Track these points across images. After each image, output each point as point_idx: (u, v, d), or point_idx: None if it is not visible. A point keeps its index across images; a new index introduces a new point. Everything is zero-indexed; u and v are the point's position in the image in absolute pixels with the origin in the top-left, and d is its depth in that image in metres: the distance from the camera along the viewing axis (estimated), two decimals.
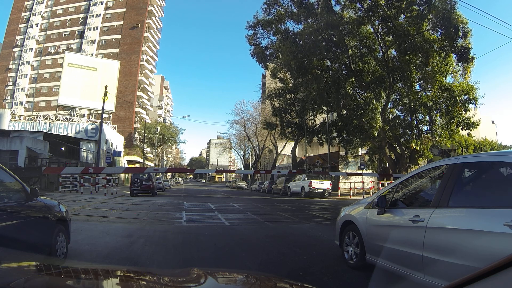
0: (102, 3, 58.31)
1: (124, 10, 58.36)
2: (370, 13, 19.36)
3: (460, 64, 19.87)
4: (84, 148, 35.38)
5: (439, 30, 18.63)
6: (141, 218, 9.90)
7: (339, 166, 32.14)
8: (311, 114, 28.90)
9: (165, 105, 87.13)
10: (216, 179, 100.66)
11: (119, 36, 57.40)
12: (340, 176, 28.47)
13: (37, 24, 59.74)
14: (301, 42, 20.78)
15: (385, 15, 19.41)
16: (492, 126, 58.50)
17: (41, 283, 1.52)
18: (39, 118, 40.32)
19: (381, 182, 22.12)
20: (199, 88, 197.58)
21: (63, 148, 30.87)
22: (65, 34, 58.88)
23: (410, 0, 18.48)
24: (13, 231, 3.44)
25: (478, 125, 20.69)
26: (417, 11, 18.75)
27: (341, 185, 27.29)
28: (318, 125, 29.80)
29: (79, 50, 56.09)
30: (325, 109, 25.98)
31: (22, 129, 35.26)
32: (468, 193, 3.25)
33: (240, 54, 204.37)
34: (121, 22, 57.89)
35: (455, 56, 19.28)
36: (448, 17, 17.04)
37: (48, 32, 59.25)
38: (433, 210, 3.11)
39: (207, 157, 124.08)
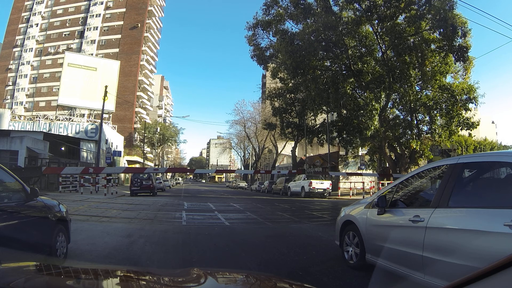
0: (102, 3, 58.30)
1: (124, 10, 58.35)
2: (369, 13, 19.36)
3: (459, 64, 19.89)
4: (84, 148, 35.38)
5: (438, 30, 18.64)
6: (141, 218, 9.90)
7: (339, 166, 32.14)
8: (311, 114, 28.89)
9: (165, 105, 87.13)
10: (216, 179, 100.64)
11: (119, 36, 57.40)
12: (340, 176, 28.47)
13: (37, 24, 59.73)
14: (300, 42, 20.78)
15: (384, 15, 19.41)
16: (492, 126, 58.54)
17: (41, 283, 1.52)
18: (39, 118, 40.32)
19: (381, 182, 22.12)
20: (199, 88, 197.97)
21: (63, 148, 30.87)
22: (65, 34, 58.87)
23: (409, 0, 18.50)
24: (13, 231, 3.43)
25: (478, 125, 20.71)
26: (415, 11, 18.75)
27: (341, 185, 27.29)
28: (318, 125, 29.78)
29: (79, 50, 56.09)
30: (325, 109, 25.98)
31: (22, 129, 35.26)
32: (468, 193, 3.25)
33: (240, 54, 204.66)
34: (121, 22, 57.88)
35: (453, 55, 19.29)
36: (447, 17, 17.03)
37: (48, 32, 59.24)
38: (433, 210, 3.11)
39: (207, 157, 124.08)
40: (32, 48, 58.96)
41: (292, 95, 29.38)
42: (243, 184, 49.42)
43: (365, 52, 21.50)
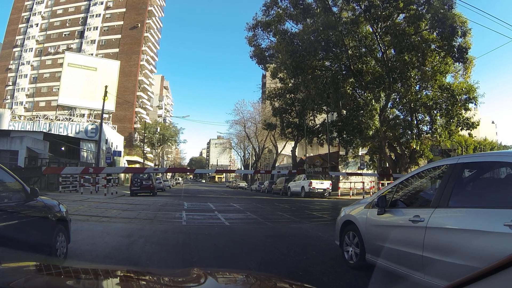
0: (102, 3, 58.29)
1: (124, 10, 58.35)
2: (368, 14, 19.37)
3: (459, 63, 19.88)
4: (84, 148, 35.38)
5: (437, 30, 18.63)
6: (141, 218, 9.90)
7: (339, 166, 32.13)
8: (311, 114, 28.92)
9: (165, 105, 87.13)
10: (216, 179, 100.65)
11: (119, 36, 57.39)
12: (340, 176, 28.46)
13: (37, 24, 59.72)
14: (299, 42, 20.80)
15: (382, 15, 19.42)
16: (492, 126, 58.54)
17: (41, 283, 1.52)
18: (39, 118, 40.31)
19: (381, 182, 22.10)
20: (199, 88, 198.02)
21: (63, 148, 30.87)
22: (65, 34, 58.86)
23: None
24: (13, 231, 3.43)
25: (478, 125, 20.69)
26: (414, 11, 18.75)
27: (341, 185, 27.28)
28: (318, 125, 29.81)
29: (79, 50, 56.08)
30: (325, 109, 25.99)
31: (22, 129, 35.25)
32: (468, 193, 3.25)
33: (240, 54, 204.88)
34: (121, 22, 57.88)
35: (452, 56, 19.26)
36: (446, 16, 17.03)
37: (48, 32, 59.23)
38: (433, 210, 3.11)
39: (207, 157, 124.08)
40: (32, 48, 58.95)
41: (292, 95, 29.39)
42: (243, 184, 49.40)
43: (365, 52, 21.51)
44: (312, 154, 36.89)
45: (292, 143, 36.55)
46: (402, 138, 22.53)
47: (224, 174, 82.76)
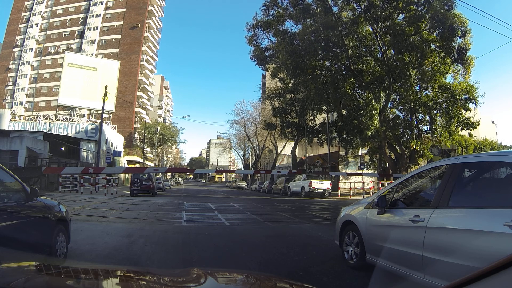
0: (102, 3, 58.29)
1: (124, 10, 58.35)
2: (368, 14, 19.37)
3: (459, 64, 19.88)
4: (84, 148, 35.37)
5: (437, 30, 18.64)
6: (141, 218, 9.90)
7: (339, 166, 32.13)
8: (311, 114, 28.92)
9: (165, 105, 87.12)
10: (216, 179, 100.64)
11: (119, 36, 57.39)
12: (340, 176, 28.46)
13: (37, 24, 59.72)
14: (299, 43, 20.79)
15: (382, 15, 19.43)
16: (492, 126, 58.58)
17: (41, 283, 1.52)
18: (39, 118, 40.31)
19: (381, 182, 22.10)
20: (199, 88, 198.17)
21: (63, 148, 30.87)
22: (65, 34, 58.86)
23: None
24: (13, 231, 3.43)
25: (478, 125, 20.69)
26: (414, 11, 18.76)
27: (341, 185, 27.28)
28: (318, 125, 29.81)
29: (79, 50, 56.08)
30: (325, 109, 25.99)
31: (22, 129, 35.25)
32: (468, 193, 3.25)
33: (240, 54, 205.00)
34: (121, 22, 57.88)
35: (451, 57, 19.25)
36: (445, 17, 17.03)
37: (48, 32, 59.23)
38: (433, 210, 3.11)
39: (207, 157, 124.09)
40: (32, 48, 58.94)
41: (292, 95, 29.40)
42: (243, 184, 49.40)
43: (365, 52, 21.49)
44: (312, 154, 36.88)
45: (292, 143, 36.55)
46: (402, 138, 22.52)
47: (224, 174, 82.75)
